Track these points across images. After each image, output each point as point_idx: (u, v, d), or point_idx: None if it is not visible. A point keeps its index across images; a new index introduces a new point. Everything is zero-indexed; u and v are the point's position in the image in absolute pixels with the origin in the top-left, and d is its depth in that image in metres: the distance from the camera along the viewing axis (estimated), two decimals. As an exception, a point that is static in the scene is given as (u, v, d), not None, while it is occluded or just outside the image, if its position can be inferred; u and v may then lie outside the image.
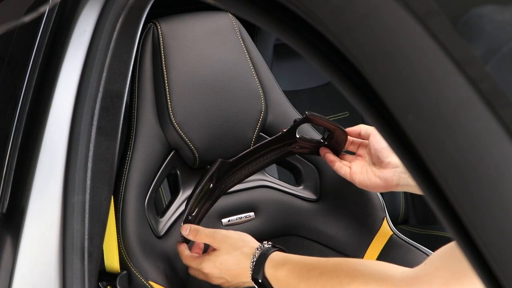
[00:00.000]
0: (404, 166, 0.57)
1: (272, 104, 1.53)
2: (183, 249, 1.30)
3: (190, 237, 1.27)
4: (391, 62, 0.54)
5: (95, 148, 1.12)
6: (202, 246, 1.32)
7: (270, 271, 1.16)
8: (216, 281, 1.26)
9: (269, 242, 1.22)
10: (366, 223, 1.50)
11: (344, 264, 1.08)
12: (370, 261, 1.08)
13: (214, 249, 1.25)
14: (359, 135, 1.34)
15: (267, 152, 1.38)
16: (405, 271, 1.00)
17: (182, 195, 1.44)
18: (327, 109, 2.39)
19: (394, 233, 1.50)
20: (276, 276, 1.15)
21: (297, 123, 1.36)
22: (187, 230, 1.26)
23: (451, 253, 0.95)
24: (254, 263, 1.18)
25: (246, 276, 1.20)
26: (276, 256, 1.18)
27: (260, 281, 1.17)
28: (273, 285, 1.16)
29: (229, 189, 1.39)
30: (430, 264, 0.97)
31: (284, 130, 1.37)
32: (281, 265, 1.15)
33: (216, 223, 1.47)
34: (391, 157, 1.26)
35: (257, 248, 1.20)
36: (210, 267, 1.23)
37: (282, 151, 1.40)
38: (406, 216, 2.36)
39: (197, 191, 1.26)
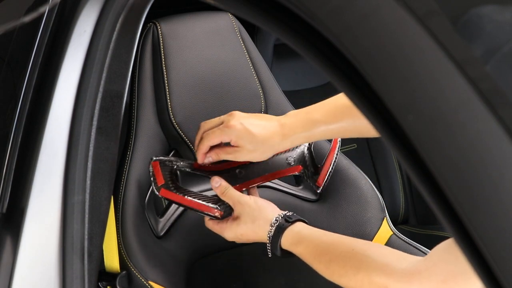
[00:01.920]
0: (404, 166, 0.57)
1: (272, 104, 1.53)
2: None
3: (217, 191, 1.27)
4: (391, 62, 0.54)
5: (95, 148, 1.12)
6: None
7: (286, 245, 1.19)
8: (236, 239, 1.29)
9: (285, 213, 1.23)
10: (366, 223, 1.50)
11: (351, 252, 1.10)
12: (377, 250, 1.10)
13: (235, 217, 1.26)
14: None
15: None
16: (408, 264, 1.02)
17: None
18: (327, 109, 2.39)
19: (394, 233, 1.50)
20: (292, 251, 1.19)
21: None
22: (218, 183, 1.28)
23: (448, 250, 0.96)
24: (271, 238, 1.20)
25: (265, 242, 1.23)
26: (291, 232, 1.19)
27: (278, 255, 1.20)
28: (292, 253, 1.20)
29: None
30: (430, 260, 0.98)
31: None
32: (295, 243, 1.18)
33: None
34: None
35: (272, 224, 1.21)
36: (231, 236, 1.26)
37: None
38: (406, 216, 2.36)
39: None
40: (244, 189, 1.33)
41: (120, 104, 1.17)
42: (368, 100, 0.58)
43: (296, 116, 1.25)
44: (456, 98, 0.51)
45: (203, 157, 1.28)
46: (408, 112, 0.53)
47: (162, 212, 1.43)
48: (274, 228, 1.20)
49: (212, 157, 1.27)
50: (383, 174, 2.34)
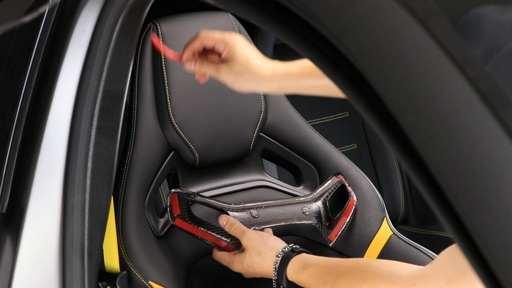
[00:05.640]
0: (404, 166, 0.57)
1: (272, 104, 1.52)
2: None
3: (225, 228, 1.32)
4: (391, 62, 0.54)
5: (95, 148, 1.12)
6: None
7: (292, 276, 1.21)
8: (247, 276, 1.33)
9: (290, 246, 1.27)
10: (366, 223, 1.50)
11: (356, 266, 1.13)
12: (380, 262, 1.13)
13: (242, 250, 1.30)
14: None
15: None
16: (413, 270, 1.03)
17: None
18: (327, 109, 2.39)
19: (394, 233, 1.50)
20: (298, 280, 1.21)
21: None
22: (225, 221, 1.32)
23: (453, 252, 0.96)
24: (277, 270, 1.23)
25: (272, 276, 1.25)
26: (297, 260, 1.22)
27: (285, 286, 1.22)
28: (298, 284, 1.22)
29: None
30: (435, 263, 0.99)
31: None
32: (301, 270, 1.20)
33: (216, 223, 1.47)
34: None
35: (277, 255, 1.24)
36: (239, 268, 1.30)
37: None
38: (406, 216, 2.36)
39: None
40: (256, 228, 1.38)
41: (120, 104, 1.17)
42: (368, 100, 0.58)
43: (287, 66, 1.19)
44: (456, 98, 0.51)
45: (188, 55, 1.17)
46: (408, 112, 0.53)
47: (162, 212, 1.42)
48: (280, 258, 1.23)
49: (195, 63, 1.16)
50: (383, 174, 2.34)
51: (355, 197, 1.50)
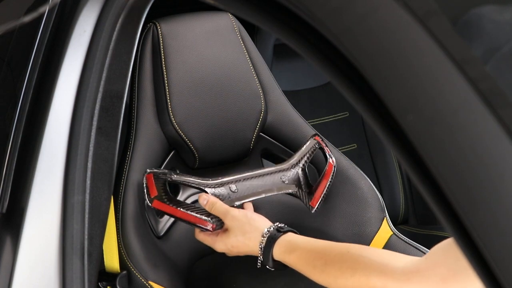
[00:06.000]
0: (404, 166, 0.57)
1: (272, 104, 1.53)
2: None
3: (206, 208, 1.28)
4: (391, 62, 0.54)
5: (95, 148, 1.12)
6: None
7: (279, 257, 1.19)
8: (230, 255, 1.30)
9: (276, 225, 1.23)
10: (366, 223, 1.50)
11: (346, 254, 1.09)
12: (372, 251, 1.09)
13: (225, 229, 1.27)
14: None
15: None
16: (407, 263, 1.01)
17: (182, 195, 1.44)
18: (327, 109, 2.39)
19: (394, 233, 1.50)
20: (285, 261, 1.18)
21: None
22: (205, 200, 1.28)
23: (449, 249, 0.96)
24: (262, 249, 1.20)
25: (257, 255, 1.23)
26: (284, 241, 1.19)
27: (271, 266, 1.20)
28: (284, 264, 1.19)
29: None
30: (430, 259, 0.98)
31: None
32: (288, 251, 1.17)
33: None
34: None
35: (263, 235, 1.21)
36: (222, 248, 1.27)
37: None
38: (406, 216, 2.36)
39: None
40: (237, 203, 1.34)
41: (120, 104, 1.17)
42: (368, 100, 0.58)
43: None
44: (456, 98, 0.51)
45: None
46: (408, 112, 0.53)
47: (162, 213, 1.42)
48: (265, 238, 1.20)
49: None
50: (383, 174, 2.34)
51: (333, 158, 1.48)
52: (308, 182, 1.44)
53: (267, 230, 1.22)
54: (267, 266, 1.21)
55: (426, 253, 1.41)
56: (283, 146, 1.55)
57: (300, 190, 1.43)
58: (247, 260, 1.42)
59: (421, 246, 1.46)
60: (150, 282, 1.29)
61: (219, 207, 1.27)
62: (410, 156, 0.55)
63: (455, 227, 0.52)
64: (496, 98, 0.50)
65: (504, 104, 0.50)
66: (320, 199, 1.43)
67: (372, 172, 2.34)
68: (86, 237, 1.10)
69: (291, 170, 1.43)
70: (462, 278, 0.92)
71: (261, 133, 1.52)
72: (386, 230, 1.50)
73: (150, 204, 1.30)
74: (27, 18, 1.15)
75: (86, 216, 1.10)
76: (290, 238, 1.19)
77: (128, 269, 1.28)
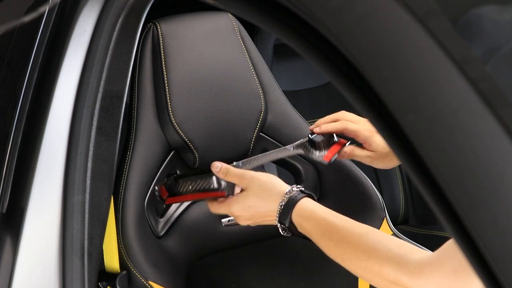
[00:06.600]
0: (404, 166, 0.57)
1: (272, 104, 1.53)
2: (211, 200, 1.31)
3: (220, 175, 1.27)
4: (391, 62, 0.54)
5: (95, 148, 1.12)
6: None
7: (296, 219, 1.16)
8: (244, 222, 1.26)
9: (298, 186, 1.21)
10: (366, 223, 1.49)
11: (365, 237, 1.07)
12: (393, 240, 1.07)
13: (242, 190, 1.25)
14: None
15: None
16: (422, 257, 1.01)
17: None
18: (327, 109, 2.39)
19: (394, 233, 1.50)
20: (302, 225, 1.16)
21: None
22: (218, 168, 1.27)
23: None
24: (282, 207, 1.17)
25: (272, 218, 1.20)
26: (304, 205, 1.16)
27: (286, 226, 1.17)
28: (298, 229, 1.17)
29: None
30: (443, 252, 0.98)
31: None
32: (306, 217, 1.15)
33: (216, 223, 1.47)
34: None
35: (286, 193, 1.19)
36: (239, 210, 1.24)
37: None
38: (406, 216, 2.36)
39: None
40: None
41: (120, 104, 1.17)
42: (368, 100, 0.58)
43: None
44: (456, 98, 0.51)
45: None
46: (408, 112, 0.53)
47: (162, 212, 1.42)
48: (287, 197, 1.17)
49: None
50: (383, 174, 2.35)
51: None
52: (316, 146, 1.37)
53: (290, 190, 1.19)
54: (282, 228, 1.18)
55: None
56: (283, 146, 1.55)
57: (308, 151, 1.35)
58: (247, 260, 1.42)
59: (421, 246, 1.46)
60: (150, 282, 1.29)
61: (233, 171, 1.25)
62: (410, 156, 0.55)
63: (455, 227, 0.52)
64: (496, 98, 0.50)
65: (504, 104, 0.50)
66: (335, 155, 1.33)
67: (372, 172, 2.34)
68: (86, 237, 1.10)
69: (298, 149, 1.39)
70: (472, 271, 0.91)
71: (261, 133, 1.52)
72: (386, 230, 1.49)
73: (164, 205, 1.35)
74: (27, 18, 1.15)
75: (86, 216, 1.10)
76: (312, 204, 1.16)
77: (128, 269, 1.28)
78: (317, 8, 0.59)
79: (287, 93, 1.60)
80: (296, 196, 1.17)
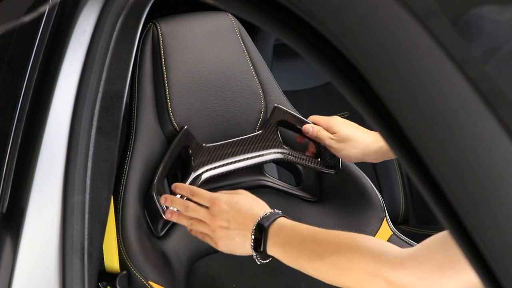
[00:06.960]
0: (404, 166, 0.57)
1: (272, 104, 1.52)
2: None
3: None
4: (391, 62, 0.54)
5: (95, 148, 1.12)
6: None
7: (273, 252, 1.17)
8: (218, 222, 1.24)
9: (275, 211, 1.20)
10: (366, 223, 1.50)
11: (344, 234, 1.09)
12: (369, 237, 1.09)
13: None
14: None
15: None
16: (403, 250, 1.01)
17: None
18: (327, 109, 2.39)
19: (394, 233, 1.50)
20: (276, 241, 1.16)
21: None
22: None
23: (447, 238, 0.95)
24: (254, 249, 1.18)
25: (248, 232, 1.19)
26: (279, 224, 1.16)
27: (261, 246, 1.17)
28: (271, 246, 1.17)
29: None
30: (427, 246, 0.97)
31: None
32: (282, 245, 1.16)
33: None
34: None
35: (252, 234, 1.18)
36: (225, 201, 1.22)
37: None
38: (406, 216, 2.36)
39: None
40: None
41: (120, 104, 1.17)
42: (368, 100, 0.58)
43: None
44: (456, 98, 0.51)
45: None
46: (408, 112, 0.53)
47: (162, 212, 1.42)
48: (254, 239, 1.17)
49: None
50: (383, 174, 2.35)
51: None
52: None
53: (252, 233, 1.18)
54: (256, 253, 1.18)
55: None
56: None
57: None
58: (247, 261, 1.42)
59: (421, 246, 1.46)
60: (150, 282, 1.29)
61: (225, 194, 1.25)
62: (410, 156, 0.55)
63: (455, 227, 0.52)
64: (496, 98, 0.50)
65: (504, 104, 0.50)
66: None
67: (372, 172, 2.34)
68: (86, 237, 1.10)
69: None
70: (460, 266, 0.91)
71: (261, 133, 1.52)
72: (386, 230, 1.49)
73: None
74: (27, 18, 1.15)
75: (86, 216, 1.10)
76: (286, 222, 1.17)
77: (128, 269, 1.28)
78: (317, 8, 0.59)
79: (287, 93, 1.60)
80: (261, 234, 1.17)
